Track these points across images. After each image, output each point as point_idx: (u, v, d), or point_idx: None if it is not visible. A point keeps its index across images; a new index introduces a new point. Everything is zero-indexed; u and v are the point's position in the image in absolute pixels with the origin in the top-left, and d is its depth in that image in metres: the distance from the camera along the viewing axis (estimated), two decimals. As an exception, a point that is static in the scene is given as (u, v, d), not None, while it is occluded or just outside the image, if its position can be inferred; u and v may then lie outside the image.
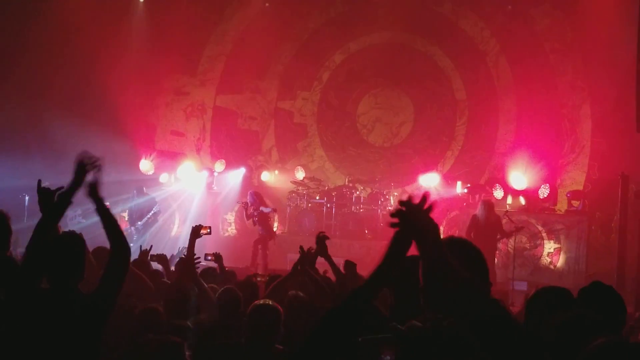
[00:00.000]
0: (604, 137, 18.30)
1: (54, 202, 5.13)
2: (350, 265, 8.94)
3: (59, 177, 5.62)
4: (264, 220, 18.20)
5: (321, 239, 8.53)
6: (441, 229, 19.19)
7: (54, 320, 4.84)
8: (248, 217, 18.40)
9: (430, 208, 3.15)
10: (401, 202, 3.14)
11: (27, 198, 17.02)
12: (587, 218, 17.95)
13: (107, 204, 5.15)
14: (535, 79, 19.25)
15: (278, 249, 18.11)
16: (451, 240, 3.69)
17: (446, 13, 20.65)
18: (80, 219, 15.71)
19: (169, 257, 10.09)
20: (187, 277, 7.82)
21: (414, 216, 3.13)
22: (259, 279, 10.77)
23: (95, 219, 5.11)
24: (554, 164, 18.95)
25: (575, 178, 18.94)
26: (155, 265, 9.70)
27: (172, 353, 5.62)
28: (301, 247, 8.50)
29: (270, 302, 5.99)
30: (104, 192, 5.07)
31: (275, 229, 19.26)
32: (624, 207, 16.22)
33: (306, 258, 8.39)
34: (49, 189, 5.21)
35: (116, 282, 5.04)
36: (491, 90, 20.13)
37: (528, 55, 19.45)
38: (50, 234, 5.10)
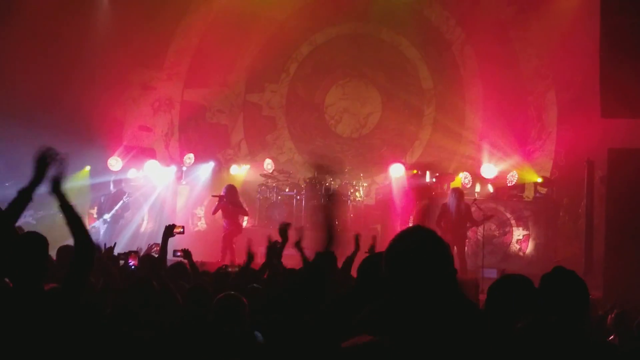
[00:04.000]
0: (569, 124, 18.42)
1: (13, 198, 5.08)
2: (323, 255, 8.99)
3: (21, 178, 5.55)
4: (232, 215, 18.19)
5: (283, 230, 8.61)
6: (410, 218, 19.29)
7: (19, 319, 4.80)
8: (216, 210, 18.35)
9: None
10: None
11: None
12: (555, 204, 18.12)
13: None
14: (500, 67, 19.32)
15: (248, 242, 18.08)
16: (413, 232, 3.71)
17: (411, 2, 20.67)
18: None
19: (140, 253, 10.09)
20: (152, 275, 7.81)
21: None
22: (229, 269, 10.78)
23: (46, 221, 5.09)
24: (521, 151, 19.05)
25: (542, 165, 19.05)
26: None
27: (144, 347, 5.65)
28: (269, 239, 8.56)
29: (234, 293, 6.01)
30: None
31: (244, 223, 19.26)
32: (590, 193, 16.38)
33: (273, 250, 8.44)
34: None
35: (81, 279, 5.00)
36: (458, 79, 20.21)
37: (493, 43, 19.50)
38: (8, 231, 5.06)
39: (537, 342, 3.20)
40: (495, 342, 3.25)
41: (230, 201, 18.08)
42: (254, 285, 7.49)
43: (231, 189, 18.28)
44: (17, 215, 5.16)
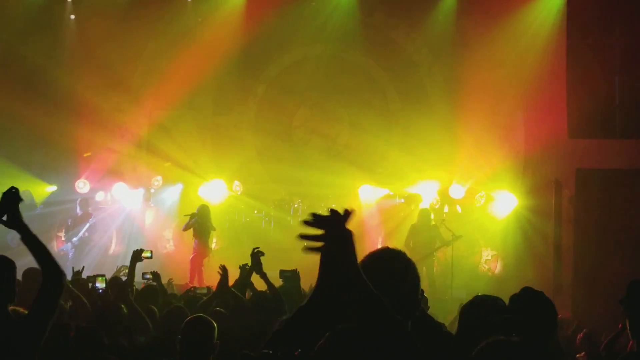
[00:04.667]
0: (537, 144, 18.50)
1: None
2: (291, 275, 9.06)
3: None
4: (202, 235, 18.15)
5: (255, 255, 8.62)
6: (379, 239, 19.33)
7: None
8: (187, 227, 18.32)
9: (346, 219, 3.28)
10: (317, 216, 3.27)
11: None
12: (524, 224, 18.18)
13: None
14: (468, 88, 19.37)
15: (217, 264, 18.01)
16: (381, 253, 3.73)
17: (377, 24, 20.75)
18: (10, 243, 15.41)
19: (108, 277, 10.04)
20: (121, 298, 7.78)
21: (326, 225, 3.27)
22: (198, 291, 10.76)
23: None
24: (489, 171, 19.09)
25: (511, 184, 19.09)
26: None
27: None
28: (221, 267, 8.60)
29: (203, 316, 5.98)
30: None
31: (213, 245, 19.19)
32: (558, 213, 16.49)
33: (226, 278, 8.47)
34: None
35: (50, 306, 4.97)
36: (425, 100, 20.26)
37: (460, 64, 19.61)
38: None
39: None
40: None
41: (202, 220, 18.10)
42: (218, 309, 7.47)
43: (204, 208, 18.31)
44: None
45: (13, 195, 4.92)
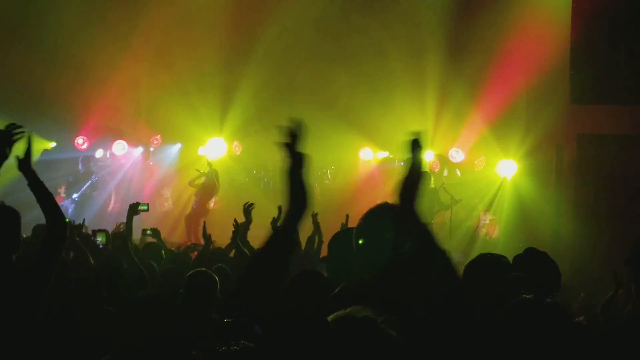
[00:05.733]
0: (538, 109, 18.38)
1: None
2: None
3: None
4: (202, 195, 18.17)
5: (247, 210, 8.70)
6: (378, 202, 19.28)
7: None
8: (193, 181, 18.41)
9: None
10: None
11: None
12: (523, 189, 18.13)
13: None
14: (471, 51, 19.14)
15: (215, 224, 18.03)
16: (380, 206, 3.73)
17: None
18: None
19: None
20: (121, 252, 7.80)
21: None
22: (198, 248, 10.82)
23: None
24: (490, 136, 18.99)
25: (512, 149, 19.00)
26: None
27: (105, 321, 5.68)
28: (235, 220, 8.60)
29: (206, 270, 5.98)
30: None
31: (212, 204, 19.19)
32: (558, 178, 16.46)
33: (238, 231, 8.49)
34: None
35: (53, 256, 4.97)
36: (427, 63, 20.01)
37: (463, 27, 19.31)
38: None
39: (531, 322, 3.15)
40: (475, 318, 3.24)
41: (210, 180, 18.20)
42: (221, 265, 7.47)
43: (215, 172, 18.41)
44: None
45: (25, 138, 4.93)
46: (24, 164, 4.91)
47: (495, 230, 18.23)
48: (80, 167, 19.86)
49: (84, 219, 10.19)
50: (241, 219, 9.08)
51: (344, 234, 4.52)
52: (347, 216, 10.13)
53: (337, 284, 4.09)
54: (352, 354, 2.32)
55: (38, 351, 5.05)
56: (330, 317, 2.42)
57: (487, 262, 4.88)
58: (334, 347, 2.33)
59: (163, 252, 9.24)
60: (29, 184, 4.94)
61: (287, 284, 4.76)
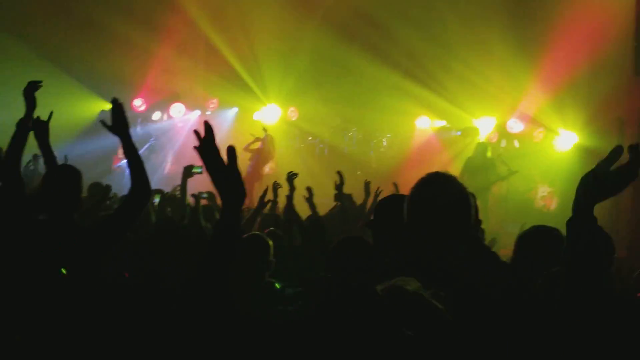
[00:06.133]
0: (601, 81, 18.01)
1: (48, 144, 5.48)
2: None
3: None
4: (257, 160, 18.21)
5: (291, 179, 8.77)
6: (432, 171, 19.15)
7: (53, 249, 4.85)
8: (248, 146, 18.48)
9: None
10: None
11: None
12: (582, 162, 17.82)
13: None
14: (533, 22, 18.80)
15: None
16: (434, 174, 3.60)
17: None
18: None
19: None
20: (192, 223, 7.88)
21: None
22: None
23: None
24: (550, 107, 18.69)
25: (572, 122, 18.70)
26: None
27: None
28: (275, 183, 8.68)
29: (260, 234, 5.98)
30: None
31: (267, 169, 19.22)
32: (618, 151, 16.14)
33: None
34: (41, 120, 5.53)
35: (129, 219, 5.05)
36: (487, 32, 19.63)
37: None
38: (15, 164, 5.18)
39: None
40: (520, 291, 3.18)
41: (263, 147, 18.23)
42: (272, 229, 7.48)
43: (271, 138, 18.42)
44: (21, 147, 5.34)
45: (119, 106, 5.01)
46: (119, 127, 4.96)
47: (553, 202, 18.00)
48: (138, 128, 20.04)
49: None
50: (298, 183, 9.06)
51: (391, 201, 4.40)
52: (395, 184, 10.07)
53: (381, 251, 4.04)
54: (398, 324, 2.27)
55: (101, 309, 5.10)
56: (378, 287, 2.37)
57: (540, 234, 4.80)
58: (382, 316, 2.28)
59: (217, 214, 9.26)
60: (124, 149, 5.02)
61: (331, 250, 4.78)
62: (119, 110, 4.98)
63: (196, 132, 3.04)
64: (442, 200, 3.40)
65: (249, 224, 8.00)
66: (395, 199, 4.27)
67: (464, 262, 3.25)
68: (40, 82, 5.44)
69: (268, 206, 8.88)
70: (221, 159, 3.01)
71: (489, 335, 2.94)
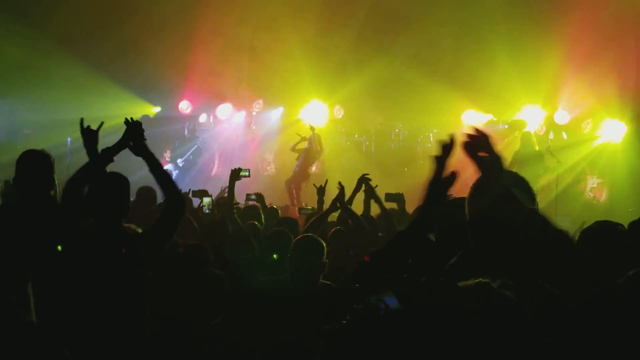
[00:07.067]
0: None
1: (97, 153, 5.38)
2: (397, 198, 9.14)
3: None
4: (305, 159, 18.25)
5: (363, 180, 8.72)
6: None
7: (102, 254, 5.04)
8: (295, 146, 18.54)
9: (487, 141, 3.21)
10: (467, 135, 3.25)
11: (69, 140, 17.49)
12: (631, 152, 17.60)
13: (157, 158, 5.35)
14: (578, 13, 18.50)
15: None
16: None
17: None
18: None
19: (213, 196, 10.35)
20: (226, 217, 7.93)
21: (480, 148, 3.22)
22: (303, 212, 10.98)
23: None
24: (598, 98, 18.44)
25: (619, 112, 18.43)
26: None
27: (215, 285, 5.97)
28: (340, 183, 8.57)
29: (312, 235, 5.98)
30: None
31: (313, 169, 19.24)
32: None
33: (343, 195, 8.45)
34: (90, 129, 5.48)
35: (168, 229, 5.27)
36: (533, 25, 19.41)
37: None
38: (90, 179, 5.25)
39: None
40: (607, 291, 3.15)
41: (310, 146, 18.29)
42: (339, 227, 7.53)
43: (318, 137, 18.46)
44: (99, 171, 5.38)
45: (136, 125, 5.32)
46: (139, 149, 5.26)
47: (603, 194, 17.82)
48: (185, 132, 20.24)
49: (189, 190, 10.51)
50: (345, 182, 9.03)
51: (449, 204, 4.37)
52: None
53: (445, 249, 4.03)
54: (484, 321, 2.28)
55: (147, 313, 5.21)
56: (460, 284, 2.38)
57: (605, 230, 4.74)
58: (468, 313, 2.29)
59: (262, 215, 9.32)
60: (149, 168, 5.26)
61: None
62: (135, 130, 5.26)
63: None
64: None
65: (316, 226, 7.98)
66: (455, 201, 4.26)
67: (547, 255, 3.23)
68: (102, 122, 5.56)
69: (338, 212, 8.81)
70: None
71: (574, 336, 2.92)
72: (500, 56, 19.37)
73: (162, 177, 5.25)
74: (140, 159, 5.23)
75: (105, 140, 5.43)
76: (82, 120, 5.54)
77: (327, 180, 9.18)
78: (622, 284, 3.13)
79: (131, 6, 19.48)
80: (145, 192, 8.97)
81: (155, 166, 5.23)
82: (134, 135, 5.27)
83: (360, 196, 9.00)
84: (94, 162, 5.34)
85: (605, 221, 4.93)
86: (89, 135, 5.47)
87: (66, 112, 17.01)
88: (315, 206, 9.62)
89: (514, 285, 2.44)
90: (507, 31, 19.30)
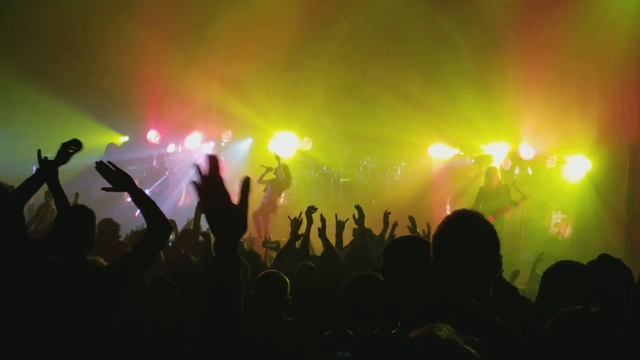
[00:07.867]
0: (612, 107, 17.99)
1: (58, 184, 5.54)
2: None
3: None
4: (272, 190, 18.26)
5: (309, 213, 8.74)
6: (448, 199, 19.22)
7: (65, 290, 4.90)
8: (261, 180, 18.50)
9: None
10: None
11: (34, 168, 17.30)
12: (596, 189, 17.79)
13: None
14: (543, 49, 18.80)
15: (284, 220, 18.12)
16: (461, 213, 3.63)
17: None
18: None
19: (178, 228, 10.24)
20: (191, 249, 7.91)
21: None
22: (267, 245, 10.90)
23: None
24: (561, 134, 18.65)
25: (583, 148, 18.65)
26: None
27: (180, 318, 5.91)
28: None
29: (276, 271, 5.99)
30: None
31: (281, 200, 19.26)
32: (632, 177, 16.14)
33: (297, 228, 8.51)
34: (49, 160, 5.53)
35: (144, 261, 5.16)
36: (499, 60, 19.73)
37: (536, 24, 18.99)
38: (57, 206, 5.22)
39: (570, 331, 3.17)
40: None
41: (278, 175, 18.29)
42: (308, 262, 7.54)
43: (285, 167, 18.46)
44: (34, 190, 5.48)
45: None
46: (118, 185, 5.12)
47: (566, 229, 17.97)
48: (154, 162, 20.16)
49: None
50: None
51: (403, 244, 4.35)
52: (411, 218, 10.02)
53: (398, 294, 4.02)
54: None
55: (116, 349, 5.15)
56: (411, 334, 2.37)
57: (564, 271, 4.84)
58: None
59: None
60: (132, 199, 5.13)
61: (344, 290, 4.72)
62: (108, 169, 5.12)
63: (197, 167, 2.63)
64: (473, 239, 3.41)
65: (281, 259, 7.99)
66: (406, 241, 4.29)
67: (491, 303, 3.28)
68: (82, 144, 5.57)
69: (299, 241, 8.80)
70: (224, 197, 2.68)
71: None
72: (466, 91, 19.65)
73: (148, 207, 5.10)
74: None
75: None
76: (39, 151, 5.53)
77: (301, 212, 9.13)
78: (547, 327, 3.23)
79: (99, 32, 19.49)
80: (106, 226, 8.73)
81: (140, 198, 5.10)
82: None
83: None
84: (37, 183, 5.44)
85: (567, 261, 5.01)
86: (47, 167, 5.46)
87: (30, 140, 16.86)
88: (281, 239, 9.63)
89: (479, 341, 2.46)
90: (473, 67, 19.59)
